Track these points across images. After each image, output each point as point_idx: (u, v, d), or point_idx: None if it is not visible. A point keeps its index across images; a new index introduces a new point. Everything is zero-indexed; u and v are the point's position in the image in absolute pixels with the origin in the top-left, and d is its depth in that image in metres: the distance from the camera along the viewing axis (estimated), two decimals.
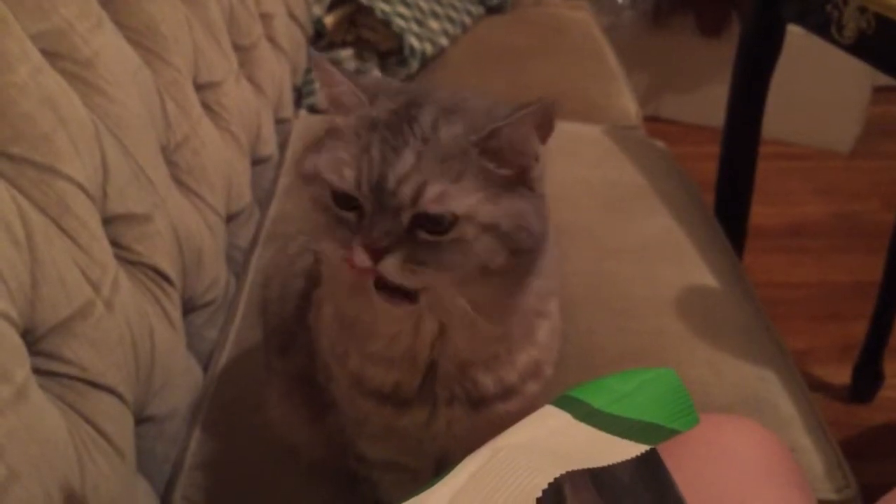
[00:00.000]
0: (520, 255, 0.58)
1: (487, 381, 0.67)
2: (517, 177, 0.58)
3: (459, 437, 0.69)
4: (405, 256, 0.55)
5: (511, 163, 0.58)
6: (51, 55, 0.82)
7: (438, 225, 0.55)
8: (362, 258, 0.55)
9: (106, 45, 0.91)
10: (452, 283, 0.57)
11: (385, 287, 0.57)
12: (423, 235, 0.56)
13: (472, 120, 0.58)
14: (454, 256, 0.56)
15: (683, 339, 1.05)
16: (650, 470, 0.48)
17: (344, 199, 0.57)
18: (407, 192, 0.55)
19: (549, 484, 0.42)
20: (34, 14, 0.81)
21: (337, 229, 0.57)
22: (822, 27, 1.23)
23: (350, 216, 0.57)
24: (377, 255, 0.55)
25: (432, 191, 0.55)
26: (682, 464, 0.54)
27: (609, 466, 0.45)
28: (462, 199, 0.55)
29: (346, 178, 0.56)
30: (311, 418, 0.81)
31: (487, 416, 0.68)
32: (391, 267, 0.55)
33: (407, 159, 0.55)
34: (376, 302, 0.58)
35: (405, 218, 0.55)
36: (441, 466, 0.76)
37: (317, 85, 1.63)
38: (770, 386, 0.99)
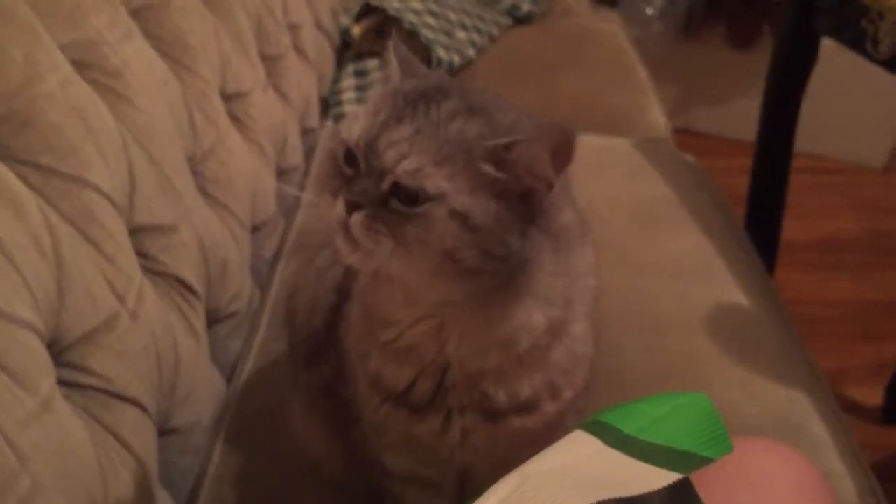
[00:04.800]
0: (493, 260, 0.58)
1: (499, 394, 0.67)
2: (521, 196, 0.59)
3: (477, 449, 0.69)
4: (370, 215, 0.57)
5: (519, 179, 0.58)
6: (80, 65, 0.83)
7: (412, 199, 0.57)
8: (339, 208, 0.58)
9: (135, 55, 0.91)
10: (419, 263, 0.58)
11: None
12: (394, 204, 0.57)
13: (492, 126, 0.59)
14: (415, 231, 0.57)
15: (714, 358, 1.03)
16: (683, 499, 0.46)
17: (349, 156, 0.60)
18: (390, 157, 0.57)
19: None
20: (64, 24, 0.82)
21: (335, 181, 0.60)
22: (857, 42, 1.22)
23: (348, 172, 0.60)
24: (351, 208, 0.58)
25: (410, 163, 0.57)
26: (713, 490, 0.52)
27: (641, 495, 0.43)
28: (437, 180, 0.57)
29: (352, 133, 0.59)
30: (333, 432, 0.81)
31: (504, 429, 0.67)
32: (356, 221, 0.58)
33: (404, 129, 0.58)
34: (336, 242, 0.60)
35: (386, 183, 0.57)
36: (464, 482, 0.76)
37: (345, 95, 1.63)
38: (802, 409, 0.97)
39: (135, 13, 0.96)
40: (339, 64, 1.75)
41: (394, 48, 0.66)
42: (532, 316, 0.64)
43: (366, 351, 0.70)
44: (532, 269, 0.61)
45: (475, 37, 1.80)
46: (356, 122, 0.60)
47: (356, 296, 0.71)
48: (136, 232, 0.85)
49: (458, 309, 0.62)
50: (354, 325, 0.71)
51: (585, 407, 0.73)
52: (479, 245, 0.58)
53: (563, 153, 0.58)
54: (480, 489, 0.47)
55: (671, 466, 0.47)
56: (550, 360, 0.67)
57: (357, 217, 0.57)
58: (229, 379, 1.04)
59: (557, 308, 0.65)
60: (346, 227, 0.58)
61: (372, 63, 1.71)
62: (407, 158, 0.57)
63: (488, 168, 0.57)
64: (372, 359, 0.69)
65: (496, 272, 0.60)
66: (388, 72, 0.66)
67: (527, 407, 0.67)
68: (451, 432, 0.69)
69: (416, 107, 0.59)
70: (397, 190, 0.57)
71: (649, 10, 2.43)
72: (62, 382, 0.70)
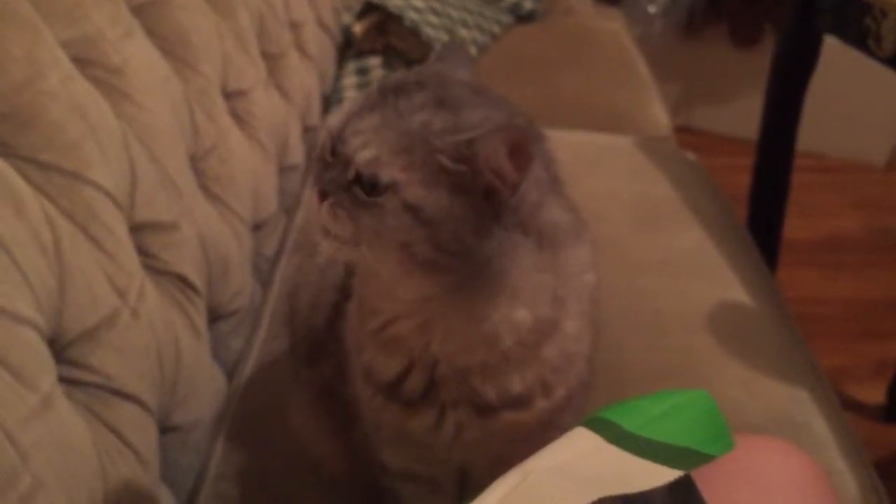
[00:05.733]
0: (449, 255, 0.59)
1: (488, 390, 0.67)
2: (483, 193, 0.59)
3: (471, 444, 0.69)
4: (334, 202, 0.59)
5: (478, 176, 0.58)
6: (81, 62, 0.83)
7: (371, 188, 0.58)
8: (313, 195, 0.61)
9: (136, 53, 0.91)
10: (381, 261, 0.59)
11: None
12: (356, 191, 0.59)
13: (457, 122, 0.59)
14: (370, 220, 0.58)
15: (715, 356, 1.03)
16: (684, 496, 0.46)
17: (328, 145, 0.61)
18: (352, 146, 0.59)
19: None
20: (65, 21, 0.82)
21: (317, 167, 0.62)
22: (860, 39, 1.21)
23: (329, 158, 0.61)
24: (322, 196, 0.60)
25: (369, 151, 0.58)
26: (715, 487, 0.52)
27: (642, 492, 0.43)
28: (392, 170, 0.58)
29: (330, 124, 0.61)
30: (334, 429, 0.81)
31: (497, 424, 0.67)
32: (325, 209, 0.60)
33: (370, 120, 0.59)
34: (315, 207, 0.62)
35: (350, 172, 0.59)
36: (463, 480, 0.76)
37: (346, 93, 1.63)
38: (804, 406, 0.97)
39: (136, 10, 0.96)
40: (341, 62, 1.75)
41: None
42: (513, 313, 0.63)
43: (360, 343, 0.70)
44: (506, 266, 0.61)
45: (477, 35, 1.80)
46: (336, 113, 0.62)
47: (357, 290, 0.72)
48: (137, 229, 0.85)
49: (437, 305, 0.63)
50: (352, 317, 0.72)
51: (585, 405, 0.73)
52: (432, 239, 0.58)
53: (519, 151, 0.57)
54: (478, 486, 0.47)
55: (672, 463, 0.47)
56: (540, 357, 0.67)
57: (325, 203, 0.60)
58: (230, 376, 1.04)
59: (545, 306, 0.65)
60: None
61: (373, 61, 1.71)
62: (367, 148, 0.58)
63: (446, 162, 0.58)
64: (365, 351, 0.70)
65: (455, 268, 0.60)
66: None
67: (518, 403, 0.67)
68: (445, 427, 0.69)
69: (386, 98, 0.60)
70: (359, 178, 0.58)
71: (651, 9, 2.43)
72: (63, 380, 0.70)
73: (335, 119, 0.61)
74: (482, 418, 0.68)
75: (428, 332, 0.65)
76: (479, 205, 0.59)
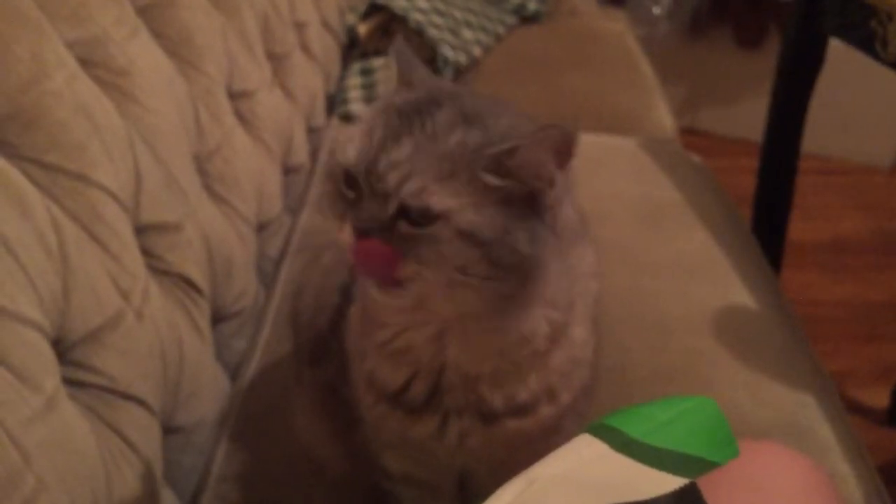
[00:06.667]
0: (504, 269, 0.57)
1: (495, 398, 0.66)
2: (526, 198, 0.58)
3: (473, 451, 0.69)
4: (380, 238, 0.56)
5: (522, 183, 0.57)
6: (86, 63, 0.83)
7: (421, 219, 0.56)
8: (348, 235, 0.57)
9: (141, 53, 0.91)
10: (437, 281, 0.57)
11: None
12: (403, 226, 0.56)
13: (490, 133, 0.58)
14: (427, 252, 0.56)
15: (719, 359, 1.02)
16: (689, 503, 0.46)
17: (347, 177, 0.58)
18: (393, 179, 0.56)
19: None
20: (70, 22, 0.82)
21: (339, 203, 0.59)
22: (866, 43, 1.21)
23: (350, 194, 0.58)
24: (362, 235, 0.56)
25: (414, 183, 0.55)
26: (720, 494, 0.52)
27: (647, 500, 0.43)
28: (443, 198, 0.56)
29: (348, 156, 0.58)
30: (337, 431, 0.81)
31: (501, 431, 0.67)
32: (366, 248, 0.57)
33: (403, 149, 0.56)
34: (370, 290, 0.59)
35: (391, 206, 0.56)
36: (463, 483, 0.76)
37: (351, 93, 1.63)
38: (808, 410, 0.97)
39: (141, 11, 0.96)
40: (345, 62, 1.75)
41: (396, 53, 0.65)
42: (540, 322, 0.63)
43: (363, 350, 0.70)
44: (542, 272, 0.60)
45: (481, 36, 1.80)
46: (351, 144, 0.58)
47: (360, 299, 0.71)
48: (141, 230, 0.85)
49: (466, 317, 0.61)
50: (354, 323, 0.71)
51: (588, 410, 0.73)
52: (488, 258, 0.57)
53: (564, 152, 0.57)
54: (479, 491, 0.47)
55: (677, 471, 0.46)
56: (549, 364, 0.66)
57: (365, 243, 0.56)
58: (234, 378, 1.04)
59: (560, 310, 0.65)
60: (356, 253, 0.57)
61: (378, 61, 1.71)
62: (410, 179, 0.55)
63: (491, 178, 0.56)
64: (368, 359, 0.69)
65: (508, 280, 0.58)
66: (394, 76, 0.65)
67: (523, 410, 0.67)
68: (448, 434, 0.68)
69: (412, 122, 0.58)
70: (404, 211, 0.56)
71: (656, 10, 2.42)
72: (67, 381, 0.70)
73: (353, 152, 0.58)
74: (486, 425, 0.67)
75: (442, 342, 0.64)
76: (526, 211, 0.58)
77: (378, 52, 1.73)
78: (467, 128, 0.58)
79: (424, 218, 0.56)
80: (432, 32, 1.68)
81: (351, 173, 0.58)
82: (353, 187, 0.58)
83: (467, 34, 1.76)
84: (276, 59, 1.33)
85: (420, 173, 0.56)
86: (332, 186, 0.60)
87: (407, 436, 0.69)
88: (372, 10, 1.76)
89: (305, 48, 1.49)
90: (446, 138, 0.57)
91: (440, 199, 0.55)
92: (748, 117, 2.04)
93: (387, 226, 0.56)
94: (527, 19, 1.96)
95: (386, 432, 0.72)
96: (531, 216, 0.58)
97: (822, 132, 1.83)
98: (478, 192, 0.56)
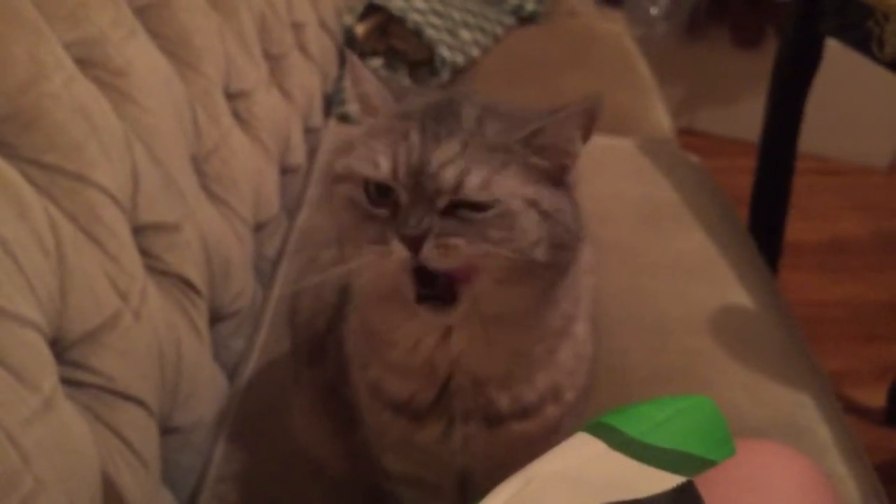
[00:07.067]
0: (558, 250, 0.58)
1: (503, 400, 0.66)
2: (557, 175, 0.59)
3: (477, 453, 0.69)
4: (441, 235, 0.55)
5: (553, 160, 0.59)
6: (84, 64, 0.83)
7: (479, 209, 0.56)
8: (400, 250, 0.55)
9: (139, 54, 0.91)
10: (499, 273, 0.57)
11: (427, 298, 0.57)
12: (463, 212, 0.56)
13: (512, 119, 0.59)
14: (499, 231, 0.55)
15: (717, 359, 1.03)
16: (686, 502, 0.46)
17: (378, 194, 0.57)
18: (450, 176, 0.55)
19: None
20: (68, 22, 0.82)
21: (369, 227, 0.57)
22: (862, 43, 1.21)
23: (382, 212, 0.57)
24: (416, 244, 0.54)
25: (477, 176, 0.55)
26: (717, 493, 0.52)
27: (645, 498, 0.43)
28: (503, 185, 0.56)
29: (381, 168, 0.57)
30: (336, 430, 0.81)
31: (504, 434, 0.67)
32: (429, 251, 0.55)
33: (452, 146, 0.56)
34: (421, 314, 0.58)
35: (441, 203, 0.56)
36: (463, 483, 0.76)
37: (348, 94, 1.63)
38: (806, 410, 0.97)
39: (139, 12, 0.96)
40: (343, 63, 1.74)
41: (356, 75, 0.63)
42: (558, 319, 0.64)
43: (365, 361, 0.69)
44: (576, 258, 0.61)
45: (479, 36, 1.80)
46: (379, 156, 0.57)
47: (357, 308, 0.70)
48: (139, 231, 0.85)
49: (507, 316, 0.60)
50: (353, 333, 0.71)
51: (585, 409, 0.73)
52: (550, 234, 0.57)
53: (589, 125, 0.59)
54: (479, 490, 0.47)
55: (675, 469, 0.47)
56: (557, 361, 0.67)
57: (429, 246, 0.55)
58: (231, 378, 1.04)
59: (571, 304, 0.65)
60: (414, 264, 0.56)
61: (375, 62, 1.71)
62: (470, 173, 0.55)
63: (536, 159, 0.58)
64: (372, 369, 0.69)
65: (560, 263, 0.59)
66: (360, 91, 0.63)
67: (529, 412, 0.67)
68: (453, 438, 0.68)
69: (446, 121, 0.58)
70: (459, 204, 0.56)
71: (653, 11, 2.43)
72: (65, 381, 0.70)
73: (386, 163, 0.56)
74: (491, 429, 0.67)
75: (455, 349, 0.64)
76: (563, 190, 0.60)
77: (376, 53, 1.74)
78: (494, 117, 0.59)
79: (483, 207, 0.56)
80: (430, 33, 1.68)
81: (383, 188, 0.57)
82: (382, 202, 0.57)
83: (465, 35, 1.77)
84: (273, 60, 1.33)
85: (477, 166, 0.56)
86: (356, 213, 0.58)
87: (410, 440, 0.69)
88: (369, 11, 1.76)
89: (303, 48, 1.49)
90: (485, 130, 0.58)
91: (502, 186, 0.56)
92: (746, 118, 2.04)
93: (437, 223, 0.55)
94: (524, 20, 1.96)
95: (389, 437, 0.72)
96: (567, 192, 0.60)
97: (819, 132, 1.83)
98: (530, 176, 0.57)
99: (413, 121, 0.58)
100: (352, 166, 0.58)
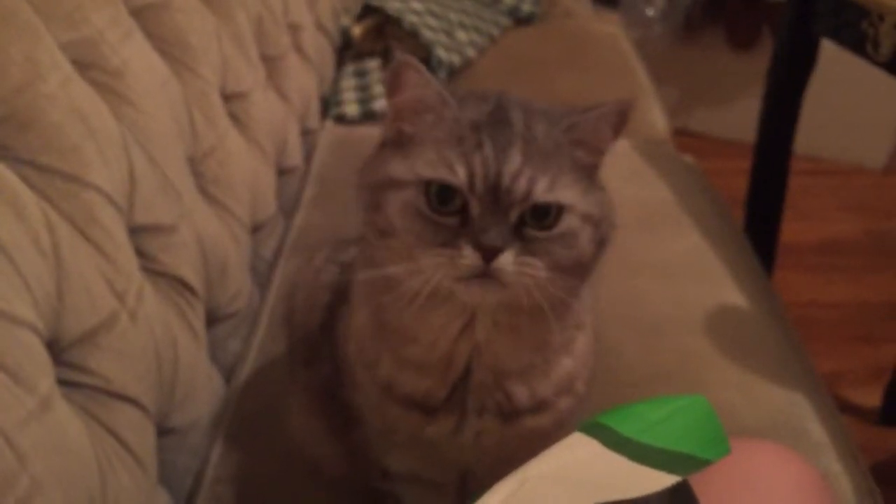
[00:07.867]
0: (601, 246, 0.61)
1: (522, 393, 0.67)
2: (591, 172, 0.62)
3: (488, 449, 0.69)
4: (518, 252, 0.57)
5: (588, 156, 0.61)
6: (80, 65, 0.83)
7: (545, 219, 0.58)
8: (474, 258, 0.56)
9: (135, 55, 0.91)
10: (555, 284, 0.59)
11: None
12: (530, 232, 0.58)
13: (549, 116, 0.61)
14: (563, 249, 0.58)
15: (712, 360, 1.03)
16: (681, 502, 0.46)
17: (439, 202, 0.58)
18: (521, 187, 0.57)
19: None
20: (65, 24, 0.82)
21: (435, 233, 0.58)
22: (857, 44, 1.21)
23: (450, 220, 0.58)
24: (491, 254, 0.56)
25: (543, 183, 0.57)
26: (712, 492, 0.52)
27: (640, 498, 0.43)
28: (566, 190, 0.58)
29: (458, 176, 0.57)
30: (332, 431, 0.81)
31: (517, 429, 0.67)
32: (506, 264, 0.56)
33: (516, 157, 0.58)
34: (465, 294, 0.58)
35: (513, 215, 0.57)
36: (465, 481, 0.76)
37: (345, 95, 1.63)
38: (800, 410, 0.97)
39: (135, 13, 0.96)
40: (340, 64, 1.75)
41: (414, 79, 0.61)
42: (581, 308, 0.65)
43: (374, 359, 0.68)
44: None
45: (475, 37, 1.80)
46: (455, 164, 0.57)
47: (361, 305, 0.69)
48: (135, 232, 0.85)
49: (543, 305, 0.60)
50: (358, 333, 0.70)
51: (582, 410, 0.73)
52: (599, 235, 0.61)
53: (622, 123, 0.61)
54: (481, 488, 0.47)
55: (670, 469, 0.47)
56: (574, 351, 0.68)
57: (506, 260, 0.56)
58: (228, 379, 1.04)
59: (589, 293, 0.67)
60: (486, 274, 0.57)
61: (372, 63, 1.71)
62: (537, 181, 0.57)
63: (580, 154, 0.60)
64: (382, 366, 0.68)
65: (601, 256, 0.62)
66: (416, 94, 0.61)
67: (544, 405, 0.68)
68: (465, 433, 0.68)
69: (504, 130, 0.59)
70: (528, 217, 0.58)
71: (649, 12, 2.43)
72: (61, 382, 0.70)
73: (462, 170, 0.57)
74: (505, 424, 0.67)
75: (478, 345, 0.64)
76: (595, 182, 0.62)
77: (372, 54, 1.74)
78: (537, 117, 0.60)
79: (548, 217, 0.58)
80: (426, 34, 1.68)
81: (454, 196, 0.57)
82: (454, 213, 0.58)
83: (461, 35, 1.77)
84: (270, 61, 1.33)
85: (542, 174, 0.57)
86: (417, 220, 0.58)
87: (420, 435, 0.69)
88: (366, 12, 1.76)
89: (300, 50, 1.49)
90: (534, 133, 0.59)
91: (564, 192, 0.58)
92: (741, 119, 2.04)
93: (512, 237, 0.57)
94: (521, 21, 1.97)
95: (398, 433, 0.71)
96: (599, 191, 0.62)
97: (814, 133, 1.83)
98: (578, 174, 0.60)
99: (482, 131, 0.59)
100: (419, 173, 0.58)
